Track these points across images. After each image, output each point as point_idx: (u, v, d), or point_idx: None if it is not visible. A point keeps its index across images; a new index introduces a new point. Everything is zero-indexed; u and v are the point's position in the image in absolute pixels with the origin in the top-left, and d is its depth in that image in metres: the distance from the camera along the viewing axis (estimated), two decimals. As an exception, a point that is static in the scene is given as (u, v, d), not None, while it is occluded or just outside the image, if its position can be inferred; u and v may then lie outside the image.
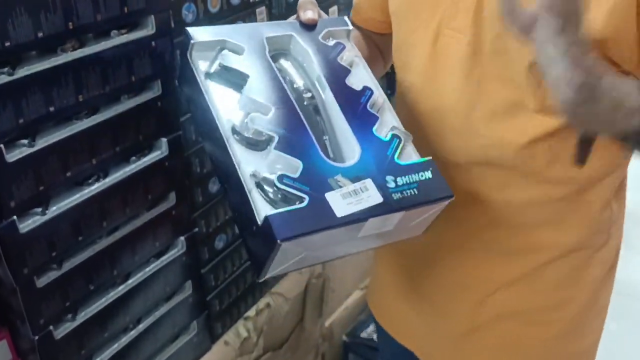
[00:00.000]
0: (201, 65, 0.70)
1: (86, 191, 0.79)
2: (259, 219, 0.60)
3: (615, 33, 0.60)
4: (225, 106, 0.67)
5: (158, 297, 0.94)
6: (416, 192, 0.65)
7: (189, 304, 1.00)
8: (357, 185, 0.63)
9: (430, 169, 0.67)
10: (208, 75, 0.69)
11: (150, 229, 0.89)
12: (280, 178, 0.62)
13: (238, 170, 0.63)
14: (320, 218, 0.60)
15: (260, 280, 0.65)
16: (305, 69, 0.74)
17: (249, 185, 0.63)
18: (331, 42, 0.76)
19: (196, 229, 0.98)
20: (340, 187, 0.62)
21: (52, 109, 0.71)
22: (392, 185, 0.64)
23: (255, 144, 0.65)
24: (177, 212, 0.92)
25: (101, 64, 0.75)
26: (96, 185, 0.80)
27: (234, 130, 0.66)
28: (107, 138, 0.79)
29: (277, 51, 0.74)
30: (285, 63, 0.74)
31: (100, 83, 0.76)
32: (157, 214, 0.89)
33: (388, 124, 0.71)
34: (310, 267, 1.32)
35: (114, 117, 0.79)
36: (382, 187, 0.64)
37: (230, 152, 0.64)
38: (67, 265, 0.79)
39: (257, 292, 1.20)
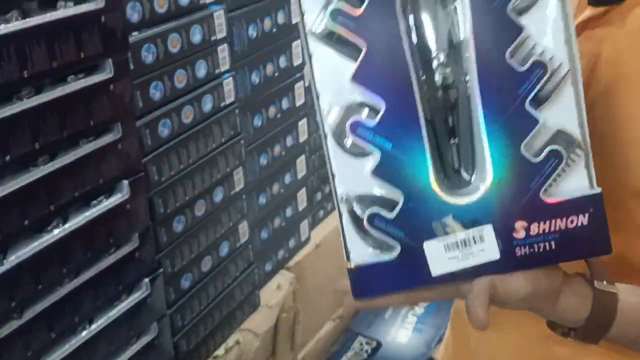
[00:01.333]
0: (308, 17, 0.49)
1: (45, 238, 0.77)
2: (347, 260, 0.50)
3: None
4: (328, 84, 0.49)
5: (123, 341, 0.93)
6: (552, 247, 0.48)
7: (155, 347, 0.99)
8: (471, 233, 0.48)
9: (591, 209, 0.48)
10: (313, 35, 0.49)
11: (113, 272, 0.87)
12: (371, 219, 0.48)
13: (331, 183, 0.50)
14: (409, 275, 0.49)
15: None
16: (455, 25, 0.49)
17: (341, 209, 0.50)
18: None
19: (161, 270, 0.97)
20: (447, 233, 0.48)
21: (8, 157, 0.70)
22: (520, 235, 0.48)
23: (353, 153, 0.50)
24: (141, 254, 0.91)
25: (58, 110, 0.74)
26: (56, 231, 0.78)
27: (331, 130, 0.49)
28: (66, 184, 0.78)
29: None
30: (433, 11, 0.50)
31: (58, 128, 0.75)
32: (120, 257, 0.88)
33: (551, 129, 0.48)
34: (281, 300, 1.32)
35: (73, 162, 0.78)
36: (504, 238, 0.48)
37: (326, 155, 0.50)
38: (28, 314, 0.77)
39: (225, 330, 1.19)
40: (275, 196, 1.29)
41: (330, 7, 0.47)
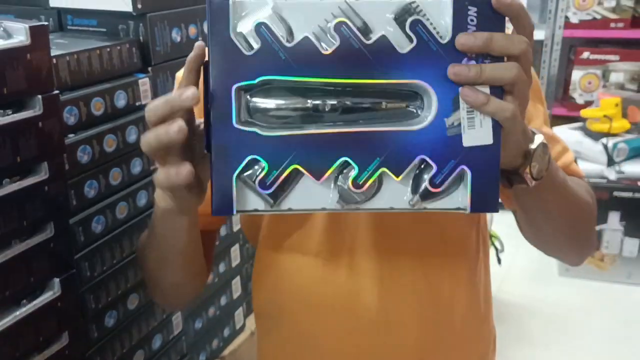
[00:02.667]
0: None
1: (-28, 340, 0.77)
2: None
3: None
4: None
5: None
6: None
7: None
8: None
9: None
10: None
11: (42, 372, 0.86)
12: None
13: None
14: None
15: None
16: None
17: None
18: None
19: (91, 367, 0.96)
20: None
21: (-63, 260, 0.71)
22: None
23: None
24: (70, 352, 0.91)
25: (-9, 212, 0.76)
26: (-17, 332, 0.78)
27: None
28: (-4, 283, 0.79)
29: None
30: None
31: (-10, 230, 0.77)
32: (50, 355, 0.87)
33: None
34: None
35: (4, 262, 0.79)
36: None
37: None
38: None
39: None
40: (209, 285, 1.31)
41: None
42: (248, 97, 0.57)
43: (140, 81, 1.05)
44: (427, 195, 0.58)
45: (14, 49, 0.76)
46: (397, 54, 0.56)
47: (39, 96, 0.80)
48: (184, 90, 0.55)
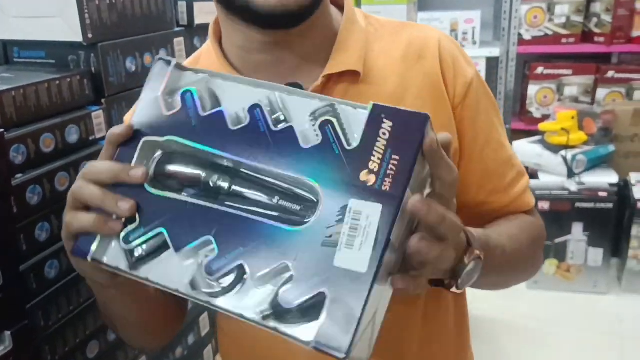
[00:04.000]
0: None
1: None
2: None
3: None
4: None
5: None
6: None
7: None
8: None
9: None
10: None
11: None
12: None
13: None
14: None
15: None
16: None
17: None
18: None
19: None
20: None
21: None
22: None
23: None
24: (26, 411, 0.83)
25: None
26: None
27: None
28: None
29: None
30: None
31: None
32: (2, 416, 0.80)
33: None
34: None
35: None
36: None
37: None
38: None
39: None
40: (175, 325, 1.25)
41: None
42: (156, 154, 0.57)
43: (93, 114, 1.00)
44: (279, 312, 0.50)
45: (-49, 86, 0.70)
46: (298, 147, 0.53)
47: (-19, 136, 0.74)
48: (135, 170, 0.56)
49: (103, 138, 1.01)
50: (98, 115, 1.01)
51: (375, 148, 0.51)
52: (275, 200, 0.55)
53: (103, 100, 1.02)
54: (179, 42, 1.22)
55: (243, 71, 0.70)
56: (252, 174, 0.55)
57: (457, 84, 0.71)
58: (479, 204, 0.75)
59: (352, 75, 0.69)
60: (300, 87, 0.67)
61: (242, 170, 0.56)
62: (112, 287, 0.62)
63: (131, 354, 1.08)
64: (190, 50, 1.24)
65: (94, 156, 0.97)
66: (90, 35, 0.99)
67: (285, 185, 0.54)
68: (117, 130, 0.57)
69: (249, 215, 0.53)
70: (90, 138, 0.99)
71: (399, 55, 0.71)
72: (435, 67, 0.71)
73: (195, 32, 1.30)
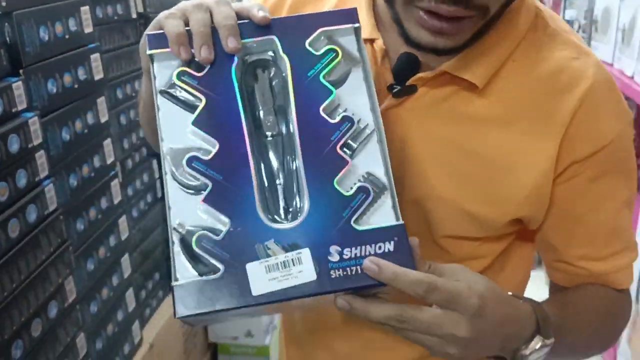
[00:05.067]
0: (159, 78, 0.58)
1: None
2: (172, 283, 0.53)
3: (536, 206, 0.64)
4: (171, 131, 0.57)
5: None
6: (359, 271, 0.53)
7: None
8: (290, 256, 0.53)
9: (395, 238, 0.54)
10: (162, 92, 0.58)
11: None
12: (200, 240, 0.53)
13: (167, 214, 0.55)
14: (231, 295, 0.51)
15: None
16: (280, 88, 0.60)
17: (173, 237, 0.54)
18: (321, 48, 0.59)
19: (4, 406, 0.86)
20: (269, 256, 0.53)
21: None
22: (335, 258, 0.53)
23: (188, 187, 0.56)
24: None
25: None
26: None
27: (170, 165, 0.56)
28: None
29: (256, 60, 0.61)
30: (260, 77, 0.61)
31: None
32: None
33: (360, 171, 0.56)
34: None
35: None
36: (320, 261, 0.53)
37: (165, 191, 0.56)
38: None
39: None
40: (105, 301, 1.22)
41: (177, 70, 0.58)
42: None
43: (13, 85, 0.95)
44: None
45: None
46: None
47: None
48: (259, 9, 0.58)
49: (25, 110, 0.97)
50: (18, 87, 0.96)
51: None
52: (277, 182, 0.58)
53: (21, 71, 0.98)
54: (85, 11, 1.18)
55: (385, 23, 0.67)
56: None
57: (589, 139, 0.63)
58: (566, 263, 0.69)
59: (469, 83, 0.63)
60: (415, 60, 0.64)
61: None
62: None
63: (71, 331, 1.06)
64: (95, 21, 1.20)
65: (20, 128, 0.93)
66: (3, 4, 0.94)
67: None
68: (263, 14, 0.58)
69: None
70: (13, 110, 0.94)
71: (540, 77, 0.63)
72: (570, 108, 0.62)
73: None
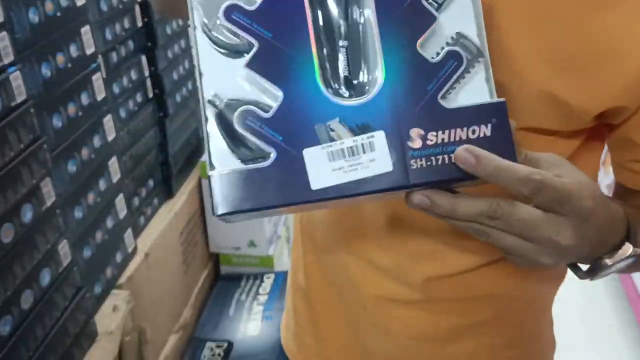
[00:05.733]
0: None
1: None
2: (208, 171, 0.42)
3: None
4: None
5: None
6: (447, 161, 0.42)
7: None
8: (359, 140, 0.42)
9: (494, 120, 0.42)
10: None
11: None
12: (243, 118, 0.42)
13: (199, 83, 0.44)
14: (284, 188, 0.41)
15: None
16: None
17: (207, 112, 0.43)
18: None
19: (-27, 317, 0.77)
20: (333, 140, 0.42)
21: None
22: (416, 144, 0.42)
23: (226, 48, 0.43)
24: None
25: None
26: None
27: (205, 26, 0.44)
28: None
29: None
30: None
31: None
32: None
33: (448, 31, 0.44)
34: (121, 323, 1.15)
35: None
36: (398, 147, 0.42)
37: (195, 51, 0.44)
38: None
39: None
40: (92, 207, 1.12)
41: None
42: None
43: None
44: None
45: None
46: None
47: None
48: None
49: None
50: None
51: None
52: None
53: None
54: None
55: None
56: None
57: None
58: None
59: None
60: None
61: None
62: None
63: (51, 237, 0.96)
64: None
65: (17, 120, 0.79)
66: None
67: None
68: None
69: None
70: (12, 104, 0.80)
71: None
72: None
73: None
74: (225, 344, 1.50)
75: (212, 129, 0.42)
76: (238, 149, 0.42)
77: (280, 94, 0.42)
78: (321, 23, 0.44)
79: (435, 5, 0.44)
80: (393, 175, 0.42)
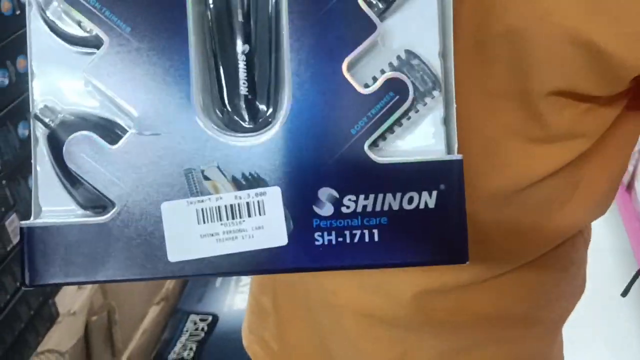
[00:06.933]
0: None
1: None
2: (33, 218, 0.31)
3: None
4: None
5: None
6: (374, 239, 0.30)
7: None
8: (245, 196, 0.30)
9: (442, 186, 0.30)
10: None
11: None
12: (77, 149, 0.29)
13: (30, 90, 0.32)
14: (126, 256, 0.30)
15: None
16: None
17: (37, 132, 0.31)
18: None
19: None
20: (206, 193, 0.30)
21: None
22: (327, 211, 0.30)
23: (67, 38, 0.31)
24: None
25: None
26: None
27: (41, 6, 0.31)
28: None
29: None
30: None
31: None
32: None
33: (398, 44, 0.31)
34: (87, 302, 1.05)
35: None
36: (300, 213, 0.30)
37: (28, 36, 0.32)
38: None
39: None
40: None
41: None
42: None
43: None
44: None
45: None
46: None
47: None
48: None
49: None
50: None
51: None
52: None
53: None
54: None
55: None
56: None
57: None
58: None
59: None
60: None
61: None
62: None
63: (-5, 213, 0.85)
64: None
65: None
66: None
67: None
68: None
69: None
70: None
71: None
72: None
73: None
74: (210, 318, 1.41)
75: (42, 156, 0.30)
76: (75, 188, 0.30)
77: (135, 113, 0.29)
78: (210, 17, 0.30)
79: (382, 5, 0.30)
80: (288, 252, 0.30)
